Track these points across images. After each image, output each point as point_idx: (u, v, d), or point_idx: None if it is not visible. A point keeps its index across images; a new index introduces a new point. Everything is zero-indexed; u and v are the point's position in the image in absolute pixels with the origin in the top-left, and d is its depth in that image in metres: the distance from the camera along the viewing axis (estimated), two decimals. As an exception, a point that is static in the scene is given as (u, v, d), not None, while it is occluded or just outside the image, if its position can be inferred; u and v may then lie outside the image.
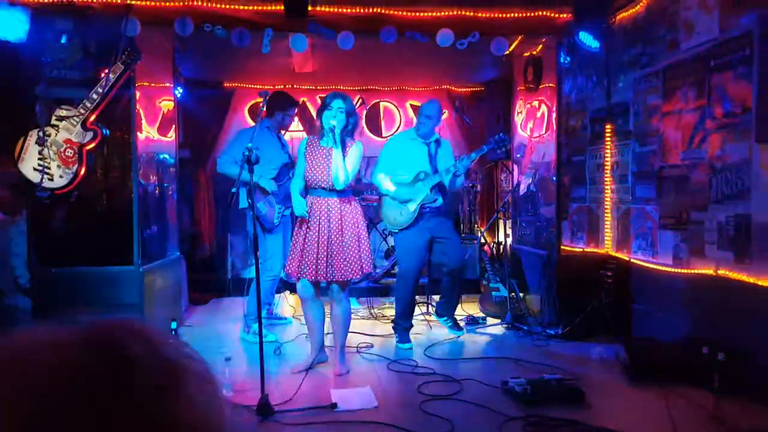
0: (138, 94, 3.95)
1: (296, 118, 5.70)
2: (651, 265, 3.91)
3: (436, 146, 4.24)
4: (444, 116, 6.74)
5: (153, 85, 4.52)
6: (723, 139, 3.28)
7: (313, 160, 3.42)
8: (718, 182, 3.33)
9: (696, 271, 3.48)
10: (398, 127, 6.83)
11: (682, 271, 3.60)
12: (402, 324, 4.20)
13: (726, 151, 3.26)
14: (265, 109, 3.53)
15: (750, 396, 2.91)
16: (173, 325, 3.72)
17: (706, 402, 2.86)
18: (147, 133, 4.38)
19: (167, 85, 4.87)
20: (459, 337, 4.32)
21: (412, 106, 6.85)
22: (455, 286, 4.33)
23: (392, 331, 4.38)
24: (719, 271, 3.28)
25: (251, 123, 6.18)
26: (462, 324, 4.49)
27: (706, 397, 2.91)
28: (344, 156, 3.34)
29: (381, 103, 6.81)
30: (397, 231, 4.25)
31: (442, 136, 4.49)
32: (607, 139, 4.51)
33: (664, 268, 3.77)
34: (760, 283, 2.96)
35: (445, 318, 4.44)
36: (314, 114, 4.54)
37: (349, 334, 4.29)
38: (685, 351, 3.28)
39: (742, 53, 3.12)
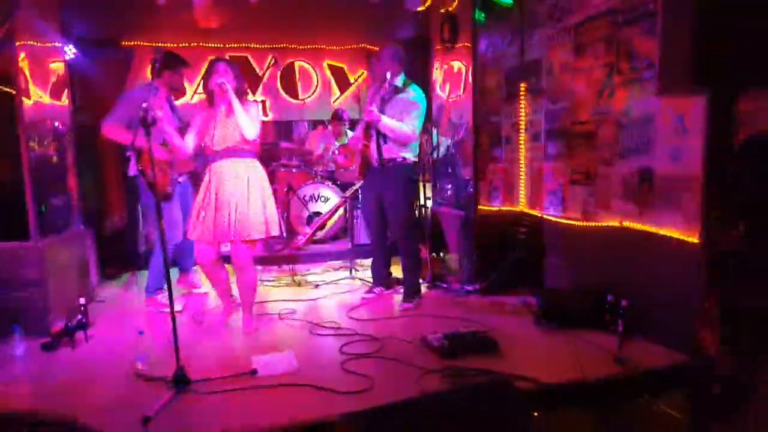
0: (22, 54, 3.58)
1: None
2: (562, 220, 4.07)
3: (391, 92, 3.99)
4: (363, 76, 6.73)
5: (40, 44, 4.11)
6: (628, 95, 3.39)
7: (208, 125, 3.43)
8: (623, 137, 3.46)
9: (603, 224, 3.64)
10: (315, 89, 6.64)
11: (590, 224, 3.76)
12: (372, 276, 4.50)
13: (631, 106, 3.37)
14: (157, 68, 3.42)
15: (649, 337, 3.11)
16: (81, 300, 3.50)
17: (611, 345, 3.05)
18: (38, 97, 3.99)
19: (56, 44, 4.44)
20: (406, 309, 4.02)
21: (329, 66, 6.66)
22: (402, 254, 4.17)
23: (315, 297, 4.42)
24: (624, 223, 3.44)
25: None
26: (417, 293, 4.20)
27: (611, 340, 3.10)
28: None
29: (296, 63, 6.57)
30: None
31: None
32: (521, 97, 4.58)
33: (573, 222, 3.93)
34: (660, 232, 3.14)
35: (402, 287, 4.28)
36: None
37: (272, 302, 4.25)
38: (592, 299, 3.45)
39: (648, 8, 3.19)
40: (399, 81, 4.05)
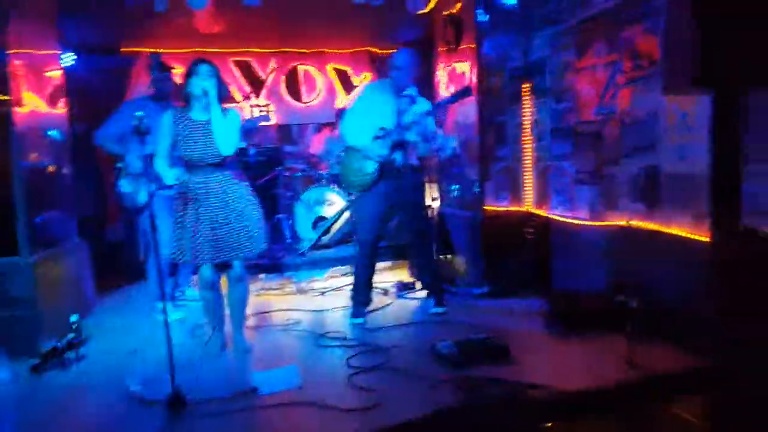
0: (18, 62, 3.51)
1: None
2: (569, 220, 3.98)
3: (409, 103, 3.69)
4: (367, 78, 6.62)
5: (36, 52, 4.04)
6: (632, 93, 3.34)
7: (187, 136, 3.11)
8: (628, 135, 3.40)
9: (610, 223, 3.57)
10: (320, 92, 6.57)
11: (598, 223, 3.68)
12: (357, 297, 3.89)
13: (635, 105, 3.32)
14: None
15: (660, 338, 3.02)
16: (73, 318, 3.36)
17: (623, 348, 2.92)
18: (33, 106, 3.93)
19: (53, 52, 4.38)
20: (438, 314, 3.91)
21: (335, 69, 6.59)
22: (422, 253, 3.98)
23: (321, 306, 4.26)
24: (631, 222, 3.38)
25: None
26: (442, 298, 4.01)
27: (623, 342, 2.98)
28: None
29: (300, 67, 6.50)
30: (353, 194, 3.97)
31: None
32: (526, 97, 4.50)
33: (580, 222, 3.85)
34: (669, 231, 3.07)
35: (428, 291, 4.08)
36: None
37: (275, 312, 4.15)
38: (602, 300, 3.36)
39: (651, 5, 3.13)
40: (413, 90, 3.77)
